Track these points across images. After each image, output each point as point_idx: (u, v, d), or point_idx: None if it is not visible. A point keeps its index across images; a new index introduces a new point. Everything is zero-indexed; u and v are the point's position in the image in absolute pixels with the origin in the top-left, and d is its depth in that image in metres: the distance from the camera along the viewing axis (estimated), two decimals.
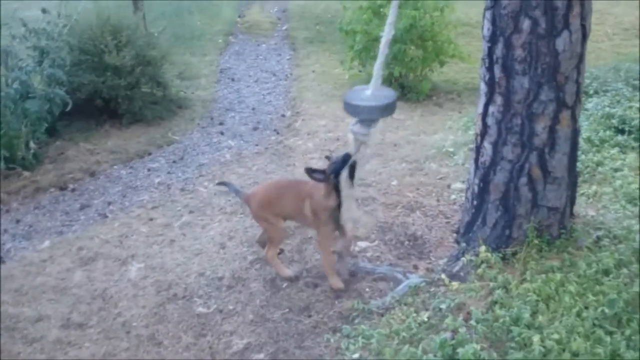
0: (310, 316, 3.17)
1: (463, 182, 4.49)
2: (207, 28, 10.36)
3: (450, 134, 5.40)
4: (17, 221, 4.62)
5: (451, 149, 5.05)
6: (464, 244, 3.44)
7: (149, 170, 5.46)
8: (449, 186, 4.48)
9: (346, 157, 3.15)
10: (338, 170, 3.16)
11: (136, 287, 3.54)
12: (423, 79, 6.62)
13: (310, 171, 3.22)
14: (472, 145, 4.98)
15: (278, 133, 6.07)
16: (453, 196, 4.33)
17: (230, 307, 3.26)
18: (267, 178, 4.99)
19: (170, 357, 2.94)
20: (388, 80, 6.66)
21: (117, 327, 3.19)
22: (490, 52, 3.15)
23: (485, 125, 3.26)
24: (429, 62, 6.51)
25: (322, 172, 3.23)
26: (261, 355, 2.87)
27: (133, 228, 4.31)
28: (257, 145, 5.86)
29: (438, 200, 4.31)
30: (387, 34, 3.18)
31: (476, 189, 3.38)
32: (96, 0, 6.61)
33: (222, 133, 6.19)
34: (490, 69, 3.18)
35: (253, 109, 6.85)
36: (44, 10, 5.64)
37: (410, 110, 6.31)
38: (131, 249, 4.02)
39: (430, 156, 5.01)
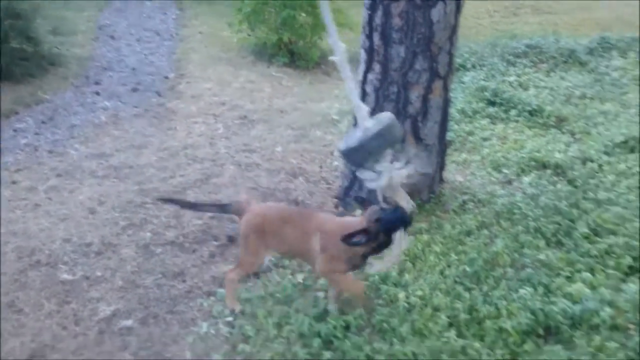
0: (184, 281, 3.09)
1: None
2: None
3: (336, 102, 5.47)
4: None
5: (336, 117, 5.11)
6: (342, 208, 3.51)
7: (14, 130, 5.01)
8: (332, 153, 4.55)
9: (399, 214, 2.41)
10: (391, 229, 2.41)
11: None
12: (312, 47, 6.61)
13: (348, 239, 2.39)
14: None
15: (160, 95, 5.80)
16: (335, 163, 4.39)
17: (98, 274, 3.09)
18: (146, 142, 4.77)
19: (31, 324, 2.74)
20: (277, 46, 6.60)
21: None
22: (370, 19, 3.20)
23: (364, 93, 3.32)
24: (319, 29, 6.50)
25: (363, 231, 2.40)
26: (129, 322, 2.75)
27: None
28: (135, 107, 5.56)
29: (321, 167, 4.36)
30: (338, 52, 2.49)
31: None
32: None
33: (97, 93, 5.80)
34: (369, 36, 3.23)
35: (133, 69, 6.49)
36: None
37: (299, 77, 6.30)
38: None
39: (316, 123, 5.05)
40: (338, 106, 5.30)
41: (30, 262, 3.20)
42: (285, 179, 4.22)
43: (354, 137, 2.40)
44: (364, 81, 3.31)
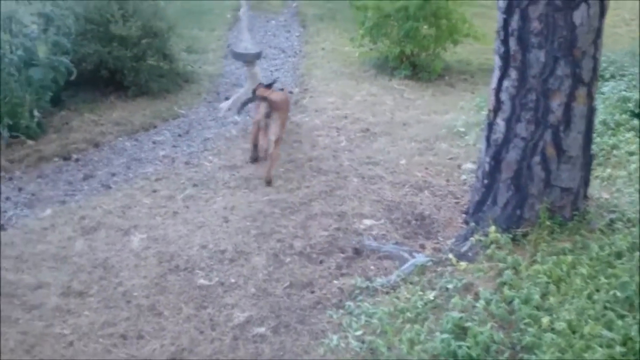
0: (313, 292, 3.11)
1: (474, 162, 4.41)
2: (216, 2, 10.18)
3: (462, 114, 5.29)
4: (20, 189, 4.56)
5: (462, 129, 4.95)
6: (473, 224, 3.36)
7: (154, 143, 5.38)
8: (459, 166, 4.39)
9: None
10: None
11: (138, 257, 3.49)
12: (435, 58, 6.48)
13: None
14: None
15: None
16: (463, 176, 4.24)
17: (232, 281, 3.20)
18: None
19: (171, 327, 2.90)
20: (399, 58, 6.54)
21: (118, 296, 3.14)
22: (506, 24, 3.05)
23: (498, 101, 3.17)
24: (442, 40, 6.37)
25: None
26: (262, 329, 2.81)
27: (136, 199, 4.25)
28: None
29: (447, 181, 4.22)
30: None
31: (487, 167, 3.30)
32: None
33: (228, 108, 6.09)
34: (505, 41, 3.07)
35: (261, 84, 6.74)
36: None
37: (421, 89, 6.19)
38: (134, 219, 3.96)
39: (441, 136, 4.92)
40: (464, 118, 5.12)
41: (169, 267, 3.39)
42: (410, 192, 4.14)
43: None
44: (498, 89, 3.15)
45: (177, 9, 8.14)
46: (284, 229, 3.77)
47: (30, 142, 5.13)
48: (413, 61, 6.52)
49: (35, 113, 5.18)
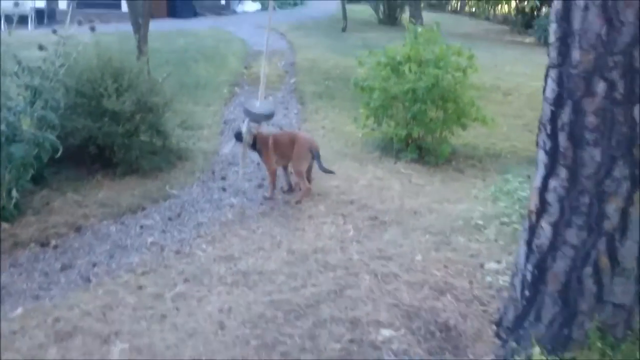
0: None
1: (498, 262, 4.00)
2: (213, 78, 10.05)
3: (477, 204, 4.93)
4: None
5: (480, 222, 4.56)
6: (513, 343, 2.90)
7: (141, 227, 4.91)
8: (481, 265, 3.97)
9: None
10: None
11: None
12: (443, 142, 6.20)
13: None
14: (505, 219, 4.55)
15: (284, 192, 5.57)
16: (488, 278, 3.81)
17: None
18: (274, 244, 4.47)
19: None
20: (405, 141, 6.26)
21: None
22: (554, 117, 2.72)
23: (543, 202, 2.79)
24: (450, 124, 6.12)
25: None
26: None
27: (119, 297, 3.73)
28: (261, 204, 5.35)
29: (471, 283, 3.78)
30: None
31: (529, 276, 2.88)
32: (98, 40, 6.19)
33: (224, 189, 5.69)
34: (553, 136, 2.73)
35: (258, 164, 6.36)
36: (40, 47, 5.21)
37: (429, 174, 5.87)
38: (115, 324, 3.44)
39: (457, 228, 4.52)
40: (481, 209, 4.75)
41: None
42: (431, 295, 3.68)
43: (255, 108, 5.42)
44: (543, 188, 2.78)
45: (171, 83, 7.89)
46: (289, 338, 3.27)
47: (5, 225, 4.64)
48: (419, 144, 6.24)
49: (14, 193, 4.71)
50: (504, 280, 3.77)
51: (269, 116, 5.52)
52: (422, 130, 6.08)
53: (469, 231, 4.47)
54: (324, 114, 8.11)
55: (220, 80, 9.88)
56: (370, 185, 5.50)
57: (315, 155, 5.27)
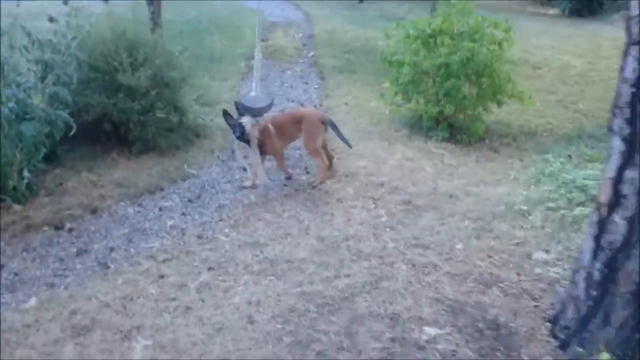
0: None
1: (547, 251, 3.70)
2: (228, 50, 9.68)
3: (518, 187, 4.60)
4: (1, 267, 3.82)
5: (524, 207, 4.25)
6: (577, 347, 2.62)
7: (160, 209, 4.66)
8: (529, 255, 3.68)
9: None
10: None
11: None
12: (476, 120, 5.85)
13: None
14: (551, 205, 4.23)
15: (309, 172, 5.27)
16: (537, 269, 3.52)
17: None
18: (301, 229, 4.20)
19: None
20: (436, 119, 5.92)
21: None
22: (635, 99, 2.38)
23: (617, 194, 2.47)
24: (485, 101, 5.76)
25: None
26: None
27: (140, 287, 3.49)
28: (285, 185, 5.06)
29: (518, 274, 3.49)
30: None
31: (597, 275, 2.58)
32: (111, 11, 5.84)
33: (244, 169, 5.40)
34: (632, 121, 2.40)
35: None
36: (51, 19, 4.90)
37: (462, 154, 5.53)
38: (137, 317, 3.20)
39: (499, 214, 4.21)
40: (523, 193, 4.43)
41: None
42: (476, 288, 3.41)
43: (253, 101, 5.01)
44: (618, 179, 2.47)
45: (186, 56, 7.56)
46: (324, 335, 3.02)
47: (17, 207, 4.42)
48: (451, 122, 5.89)
49: (25, 173, 4.47)
50: (555, 272, 3.48)
51: (269, 106, 5.07)
52: (455, 107, 5.72)
53: (511, 217, 4.16)
54: (346, 89, 7.75)
55: (236, 53, 9.51)
56: (401, 166, 5.19)
57: (329, 124, 4.94)
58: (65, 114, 4.59)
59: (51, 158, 4.99)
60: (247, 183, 5.00)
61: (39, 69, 4.85)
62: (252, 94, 5.29)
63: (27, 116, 4.43)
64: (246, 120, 4.84)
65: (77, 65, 5.16)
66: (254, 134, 4.83)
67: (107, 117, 5.32)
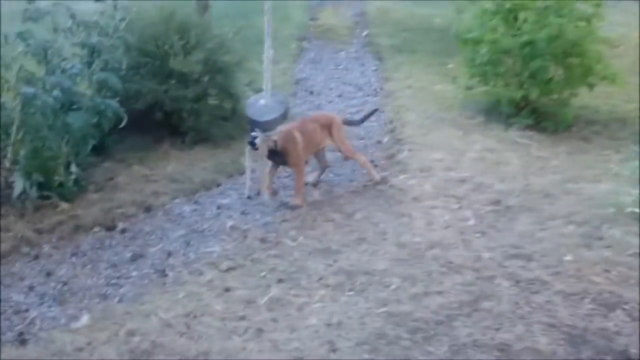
0: None
1: None
2: (276, 31, 9.12)
3: (624, 184, 3.99)
4: (48, 274, 3.49)
5: (636, 210, 3.65)
6: None
7: (218, 207, 4.27)
8: None
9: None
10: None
11: None
12: (565, 105, 5.21)
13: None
14: None
15: (377, 166, 4.76)
16: None
17: None
18: (377, 233, 3.73)
19: None
20: (517, 104, 5.31)
21: None
22: None
23: None
24: (575, 83, 5.12)
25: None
26: None
27: (204, 303, 3.09)
28: (351, 181, 4.59)
29: None
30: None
31: None
32: None
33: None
34: None
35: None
36: None
37: (551, 145, 4.92)
38: (203, 340, 2.79)
39: (608, 217, 3.63)
40: (634, 192, 3.82)
41: None
42: (596, 311, 2.88)
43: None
44: None
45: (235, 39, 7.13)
46: None
47: (64, 205, 4.09)
48: (535, 107, 5.26)
49: (73, 168, 4.13)
50: None
51: (282, 117, 4.53)
52: (542, 91, 5.10)
53: (623, 221, 3.57)
54: (408, 71, 7.16)
55: (285, 34, 9.00)
56: (482, 159, 4.63)
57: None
58: (115, 103, 4.22)
59: (100, 150, 4.66)
60: (297, 201, 4.21)
61: (85, 54, 4.47)
62: (262, 101, 4.81)
63: (74, 106, 4.06)
64: (259, 138, 4.16)
65: (125, 49, 4.78)
66: (262, 151, 4.17)
67: (158, 105, 4.95)
